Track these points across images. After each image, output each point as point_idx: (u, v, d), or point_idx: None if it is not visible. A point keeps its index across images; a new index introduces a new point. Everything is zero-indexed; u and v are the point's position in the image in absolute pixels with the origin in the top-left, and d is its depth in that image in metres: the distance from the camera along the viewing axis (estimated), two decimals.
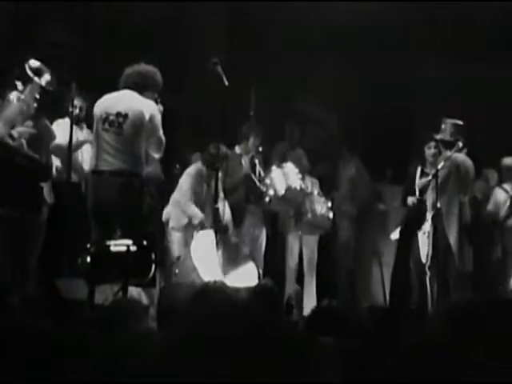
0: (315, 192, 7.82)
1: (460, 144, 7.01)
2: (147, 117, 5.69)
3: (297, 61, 9.12)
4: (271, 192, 7.23)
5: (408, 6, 8.79)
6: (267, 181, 7.28)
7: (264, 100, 7.94)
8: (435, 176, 6.84)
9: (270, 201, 7.27)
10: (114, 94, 5.88)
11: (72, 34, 8.75)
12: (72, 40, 8.68)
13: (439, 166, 6.87)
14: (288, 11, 8.96)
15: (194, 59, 8.31)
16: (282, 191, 7.21)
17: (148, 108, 5.73)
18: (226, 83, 6.13)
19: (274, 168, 7.35)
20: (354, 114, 8.91)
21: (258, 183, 7.56)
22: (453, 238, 7.08)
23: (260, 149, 7.86)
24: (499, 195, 7.94)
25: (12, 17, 8.74)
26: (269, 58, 9.10)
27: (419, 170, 7.55)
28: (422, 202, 7.27)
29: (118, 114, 5.72)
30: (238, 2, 9.27)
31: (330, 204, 7.68)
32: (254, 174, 7.73)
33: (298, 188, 7.28)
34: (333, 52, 9.18)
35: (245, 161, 7.78)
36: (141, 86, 5.79)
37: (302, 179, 7.84)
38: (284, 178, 7.26)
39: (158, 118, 5.78)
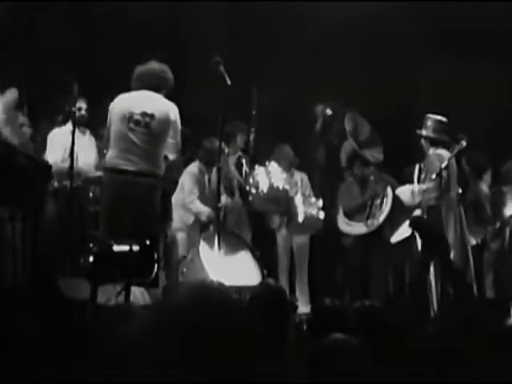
0: (306, 191, 7.84)
1: (463, 143, 6.97)
2: (172, 118, 5.79)
3: (298, 60, 9.11)
4: (254, 191, 7.24)
5: (407, 5, 8.79)
6: (251, 180, 7.29)
7: (266, 99, 7.94)
8: (439, 175, 6.79)
9: (253, 200, 7.28)
10: (135, 94, 5.91)
11: (72, 34, 8.74)
12: (72, 40, 8.67)
13: (443, 165, 6.82)
14: (289, 10, 8.96)
15: (195, 59, 8.29)
16: (264, 190, 7.22)
17: (173, 111, 5.85)
18: (229, 82, 6.11)
19: (257, 167, 7.36)
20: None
21: (243, 182, 7.57)
22: (450, 237, 7.05)
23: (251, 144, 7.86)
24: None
25: (12, 17, 8.72)
26: (271, 57, 9.10)
27: (417, 168, 7.45)
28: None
29: (144, 114, 5.76)
30: (238, 1, 9.27)
31: (320, 203, 7.67)
32: (241, 173, 7.73)
33: (281, 188, 7.29)
34: (332, 52, 9.17)
35: (231, 160, 7.76)
36: (157, 86, 5.88)
37: (291, 175, 7.86)
38: (267, 177, 7.27)
39: (179, 121, 5.88)
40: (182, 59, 8.75)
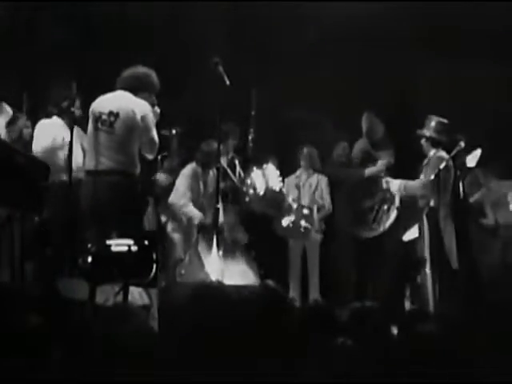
0: (306, 198, 7.92)
1: (462, 144, 6.97)
2: (138, 116, 5.66)
3: (298, 60, 9.12)
4: (251, 192, 7.28)
5: (407, 5, 8.79)
6: (248, 181, 7.34)
7: (265, 100, 7.95)
8: (437, 175, 6.81)
9: (250, 200, 7.33)
10: (108, 95, 5.86)
11: (72, 34, 8.74)
12: (72, 40, 8.67)
13: (441, 166, 6.84)
14: (289, 10, 8.97)
15: (195, 59, 8.30)
16: (261, 191, 7.27)
17: (140, 108, 5.70)
18: (228, 83, 6.10)
19: (254, 169, 7.43)
20: (355, 114, 8.89)
21: (237, 183, 7.60)
22: (448, 238, 7.06)
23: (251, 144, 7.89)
24: None
25: (12, 17, 8.73)
26: (271, 57, 9.11)
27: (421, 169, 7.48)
28: None
29: (110, 114, 5.69)
30: (238, 1, 9.27)
31: (315, 213, 7.78)
32: (234, 174, 7.75)
33: (278, 189, 7.35)
34: (332, 52, 9.18)
35: (223, 160, 7.77)
36: (134, 87, 5.78)
37: (309, 176, 7.95)
38: (264, 179, 7.32)
39: (151, 119, 5.74)
40: (181, 59, 8.76)
